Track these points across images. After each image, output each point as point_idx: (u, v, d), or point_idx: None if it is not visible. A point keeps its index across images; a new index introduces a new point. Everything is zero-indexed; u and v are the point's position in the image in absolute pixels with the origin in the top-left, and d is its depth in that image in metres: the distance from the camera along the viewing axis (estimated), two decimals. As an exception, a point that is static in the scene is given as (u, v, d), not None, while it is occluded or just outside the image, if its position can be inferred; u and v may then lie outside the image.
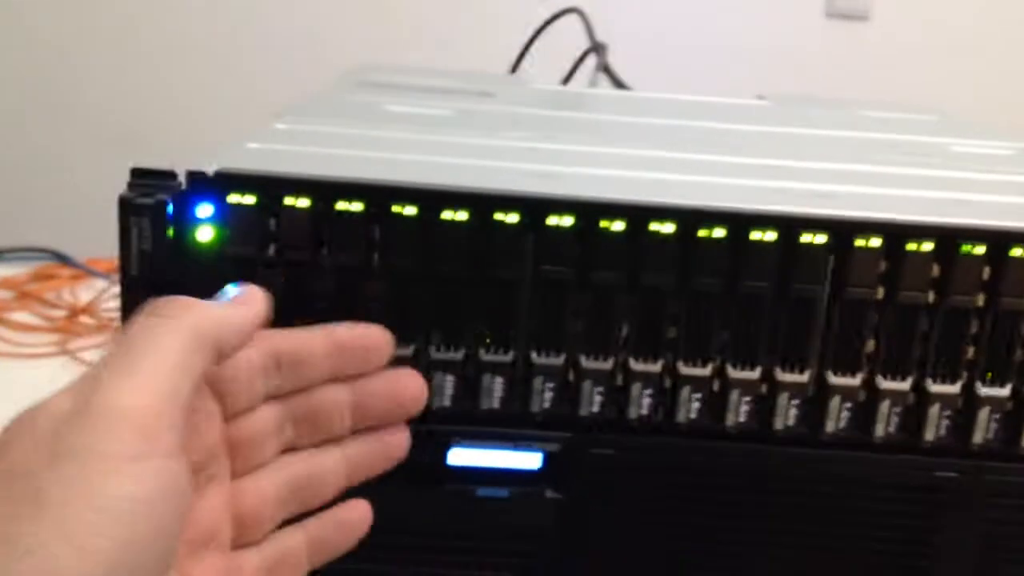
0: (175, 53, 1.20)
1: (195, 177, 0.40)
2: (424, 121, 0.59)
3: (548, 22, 1.08)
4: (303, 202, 0.40)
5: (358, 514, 0.36)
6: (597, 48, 1.05)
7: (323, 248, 0.41)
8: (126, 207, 0.39)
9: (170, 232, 0.39)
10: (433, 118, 0.60)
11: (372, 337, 0.35)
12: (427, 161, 0.46)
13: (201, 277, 0.41)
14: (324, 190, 0.40)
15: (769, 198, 0.44)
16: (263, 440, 0.34)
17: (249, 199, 0.40)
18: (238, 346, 0.32)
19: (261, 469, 0.34)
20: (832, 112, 0.80)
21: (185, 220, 0.40)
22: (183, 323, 0.30)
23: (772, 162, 0.53)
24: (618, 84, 1.05)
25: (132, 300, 0.41)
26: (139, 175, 0.40)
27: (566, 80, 1.05)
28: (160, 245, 0.39)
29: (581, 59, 1.06)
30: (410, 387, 0.35)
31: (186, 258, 0.40)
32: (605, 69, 1.06)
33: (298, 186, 0.40)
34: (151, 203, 0.39)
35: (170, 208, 0.39)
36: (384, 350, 0.35)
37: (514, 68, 1.07)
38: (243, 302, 0.33)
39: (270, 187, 0.40)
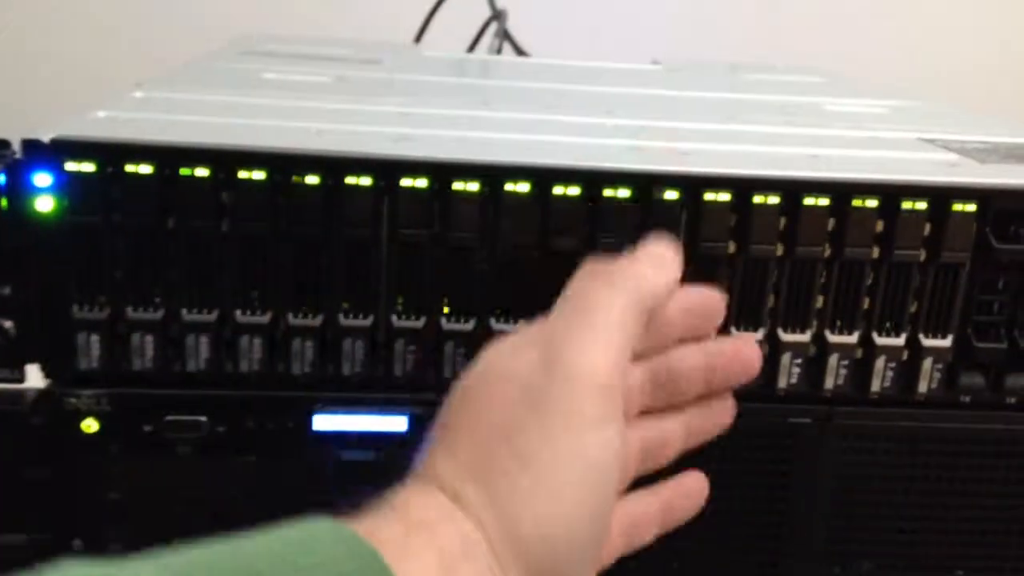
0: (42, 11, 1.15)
1: (30, 145, 0.39)
2: (297, 88, 0.58)
3: (450, -9, 1.07)
4: (145, 168, 0.39)
5: (699, 483, 0.36)
6: (498, 15, 1.04)
7: (169, 215, 0.40)
8: (-44, 178, 0.38)
9: (3, 203, 0.38)
10: (308, 84, 0.59)
11: (715, 298, 0.35)
12: (282, 126, 0.45)
13: (43, 247, 0.40)
14: (167, 156, 0.40)
15: (626, 157, 0.44)
16: (633, 400, 0.34)
17: (88, 166, 0.39)
18: (659, 309, 0.33)
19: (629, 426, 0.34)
20: (720, 76, 0.81)
21: (22, 190, 0.39)
22: (629, 287, 0.31)
23: (640, 123, 0.53)
24: (518, 51, 1.05)
25: (-30, 273, 0.40)
26: (-28, 144, 0.39)
27: (470, 49, 1.05)
28: (-5, 215, 0.38)
29: (484, 27, 1.06)
30: (751, 352, 0.35)
31: (26, 228, 0.39)
32: (505, 35, 1.06)
33: (139, 152, 0.39)
34: (-18, 172, 0.38)
35: (2, 178, 0.38)
36: (721, 313, 0.35)
37: (417, 38, 1.06)
38: (665, 265, 0.33)
39: (110, 153, 0.39)
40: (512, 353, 0.31)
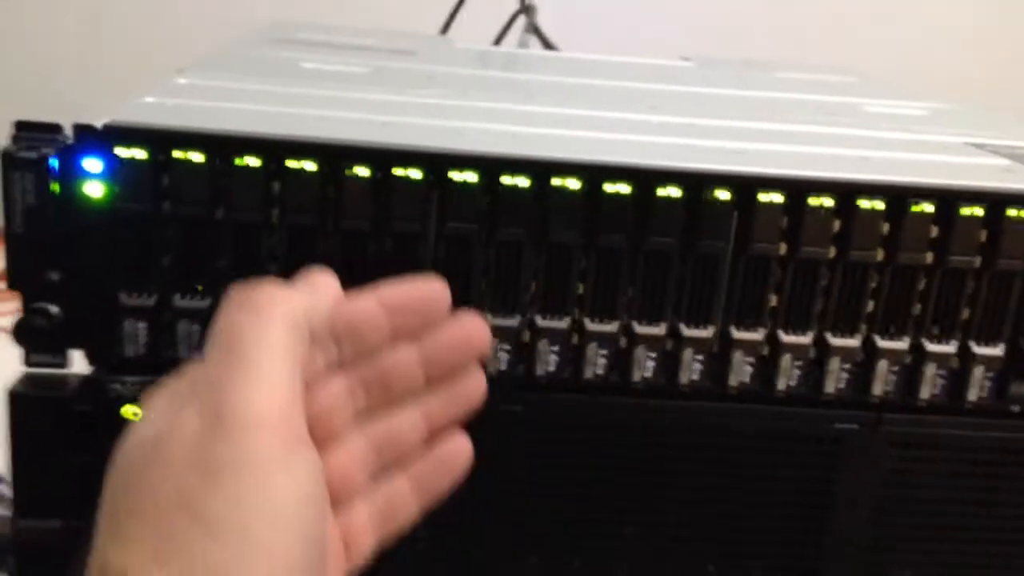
0: None
1: (82, 130, 0.39)
2: (337, 78, 0.57)
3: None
4: (197, 156, 0.39)
5: (458, 447, 0.34)
6: (526, 9, 1.04)
7: (219, 204, 0.40)
8: (8, 161, 0.37)
9: (55, 187, 0.38)
10: (347, 75, 0.59)
11: (425, 290, 0.33)
12: (331, 116, 0.45)
13: (91, 234, 0.40)
14: (219, 144, 0.39)
15: (676, 155, 0.44)
16: (335, 408, 0.32)
17: (139, 153, 0.39)
18: (322, 332, 0.31)
19: (341, 436, 0.32)
20: (752, 73, 0.80)
21: (72, 175, 0.39)
22: (278, 314, 0.29)
23: (685, 120, 0.53)
24: (547, 45, 1.05)
25: (18, 258, 0.39)
26: (23, 128, 0.39)
27: (497, 41, 1.04)
28: (45, 200, 0.38)
29: (511, 20, 1.05)
30: (475, 330, 0.33)
31: (75, 214, 0.39)
32: (534, 30, 1.06)
33: (191, 140, 0.39)
34: (34, 157, 0.37)
35: (55, 162, 0.38)
36: (442, 300, 0.33)
37: (444, 29, 1.06)
38: (320, 288, 0.32)
39: (161, 141, 0.39)
40: (169, 413, 0.28)
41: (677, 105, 0.60)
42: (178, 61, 0.55)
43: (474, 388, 0.34)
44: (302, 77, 0.57)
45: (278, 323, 0.29)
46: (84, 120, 0.39)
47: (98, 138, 0.39)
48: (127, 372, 0.42)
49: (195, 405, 0.28)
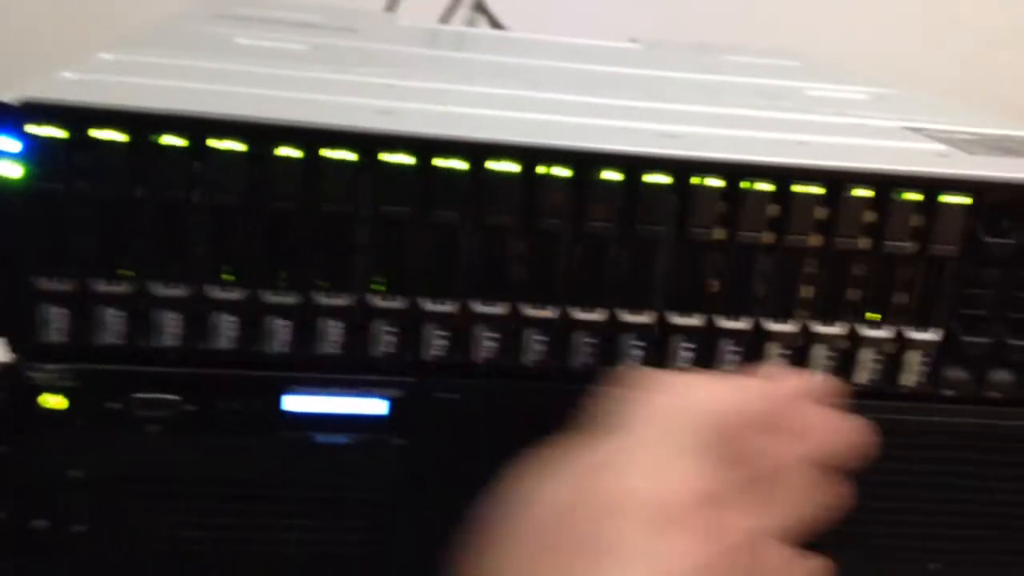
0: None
1: (-5, 107, 0.37)
2: (272, 55, 0.56)
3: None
4: (115, 135, 0.37)
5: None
6: (473, -14, 1.02)
7: (140, 184, 0.38)
8: (-86, 139, 0.36)
9: (-34, 167, 0.36)
10: (284, 52, 0.57)
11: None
12: (256, 94, 0.43)
13: (7, 214, 0.38)
14: (141, 122, 0.38)
15: (614, 137, 0.43)
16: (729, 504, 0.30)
17: (57, 131, 0.37)
18: (736, 432, 0.30)
19: None
20: (698, 56, 0.80)
21: (-15, 154, 0.37)
22: (688, 404, 0.29)
23: (625, 103, 0.52)
24: (494, 24, 1.03)
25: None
26: (-68, 104, 0.37)
27: (443, 20, 1.03)
28: (-44, 180, 0.36)
29: (458, -2, 1.04)
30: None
31: (-11, 195, 0.37)
32: (480, 8, 1.04)
33: (110, 117, 0.37)
34: (-57, 135, 0.36)
35: (-35, 140, 0.36)
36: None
37: (389, 6, 1.04)
38: (744, 387, 0.31)
39: (79, 118, 0.37)
40: (536, 492, 0.29)
41: (618, 88, 0.59)
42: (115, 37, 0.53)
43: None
44: (236, 54, 0.55)
45: (683, 414, 0.29)
46: (-2, 96, 0.37)
47: (12, 115, 0.37)
48: (48, 359, 0.40)
49: (564, 479, 0.28)
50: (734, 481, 0.30)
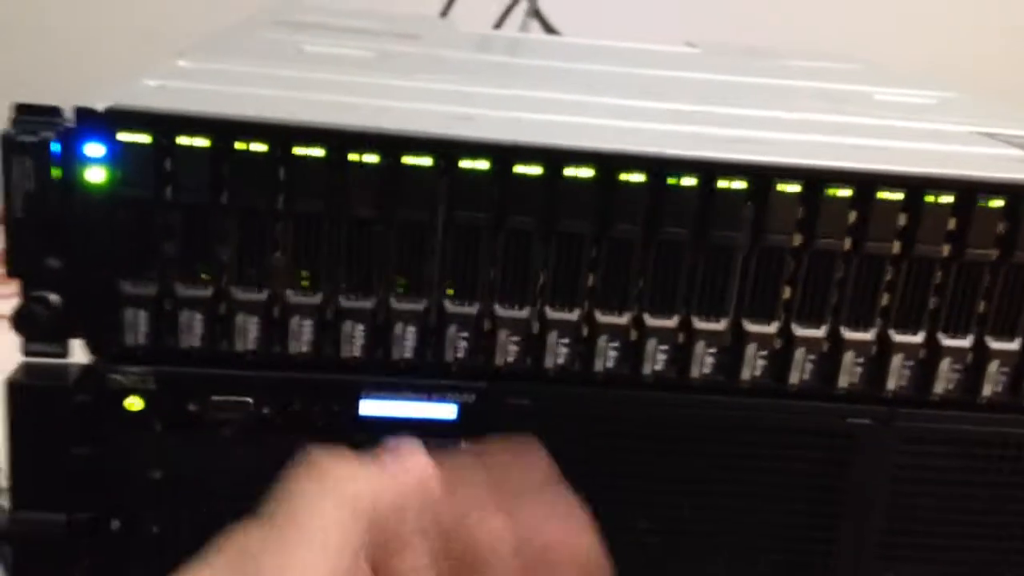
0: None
1: (84, 114, 0.37)
2: (341, 62, 0.56)
3: (478, -35, 1.05)
4: (200, 141, 0.38)
5: None
6: (528, -8, 1.03)
7: (224, 190, 0.39)
8: (8, 145, 0.36)
9: (57, 172, 0.37)
10: (351, 59, 0.58)
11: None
12: (337, 101, 0.44)
13: (93, 219, 0.39)
14: (223, 129, 0.38)
15: (689, 143, 0.43)
16: None
17: (142, 138, 0.38)
18: (397, 523, 0.29)
19: None
20: (758, 61, 0.79)
21: (74, 159, 0.38)
22: (341, 494, 0.28)
23: (693, 108, 0.52)
24: (548, 29, 1.04)
25: (18, 243, 0.38)
26: (23, 111, 0.37)
27: (497, 25, 1.03)
28: (46, 185, 0.37)
29: (513, 4, 1.04)
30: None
31: (77, 199, 0.38)
32: (536, 14, 1.04)
33: (195, 124, 0.38)
34: (35, 141, 0.36)
35: (56, 146, 0.37)
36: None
37: (444, 12, 1.05)
38: (403, 470, 0.30)
39: (165, 125, 0.38)
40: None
41: (684, 92, 0.59)
42: (179, 43, 0.54)
43: None
44: (306, 61, 0.55)
45: (337, 506, 0.27)
46: (85, 103, 0.38)
47: (100, 122, 0.38)
48: (128, 362, 0.41)
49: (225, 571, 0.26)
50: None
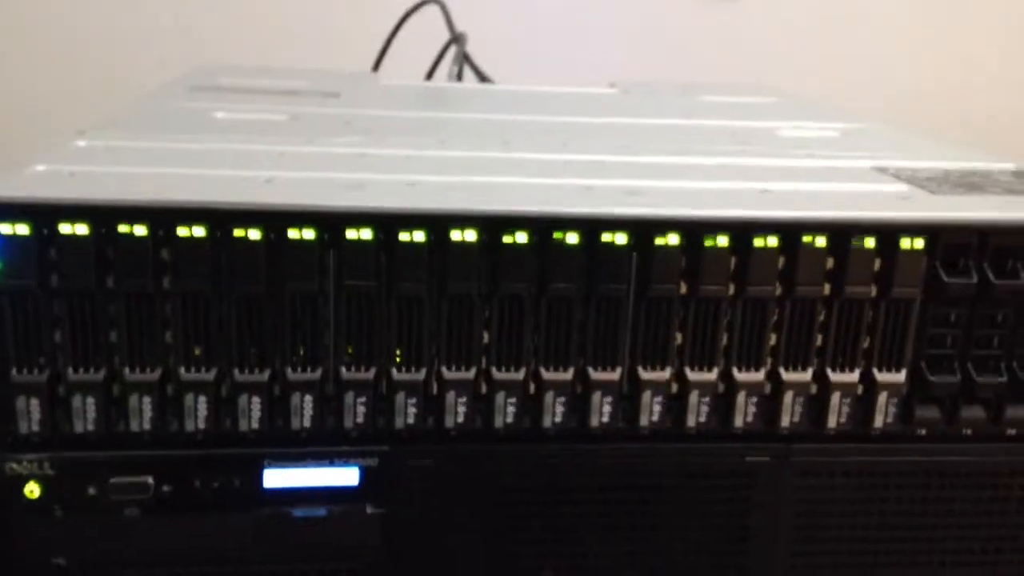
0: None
1: (-37, 207, 0.38)
2: (249, 128, 0.57)
3: (407, 15, 1.06)
4: (82, 228, 0.38)
5: None
6: (457, 39, 1.04)
7: (109, 274, 0.39)
8: None
9: (-64, 268, 0.37)
10: (261, 124, 0.59)
11: None
12: (224, 176, 0.44)
13: (-21, 312, 0.39)
14: (104, 214, 0.39)
15: (576, 198, 0.44)
16: None
17: (22, 228, 0.38)
18: None
19: None
20: (675, 99, 0.81)
21: (-45, 254, 0.38)
22: None
23: (592, 157, 0.53)
24: (479, 75, 1.05)
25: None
26: (-99, 208, 0.38)
27: (429, 74, 1.04)
28: (-73, 282, 0.37)
29: (443, 51, 1.05)
30: None
31: (-39, 293, 0.38)
32: (465, 59, 1.06)
33: (74, 211, 0.38)
34: (-90, 239, 0.37)
35: (-67, 243, 0.37)
36: None
37: (376, 65, 1.06)
38: None
39: (44, 214, 0.38)
40: None
41: (590, 139, 0.60)
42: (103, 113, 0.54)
43: None
44: (212, 130, 0.56)
45: None
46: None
47: (-22, 214, 0.38)
48: (24, 449, 0.41)
49: None
50: None
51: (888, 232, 0.42)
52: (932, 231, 0.42)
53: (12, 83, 1.16)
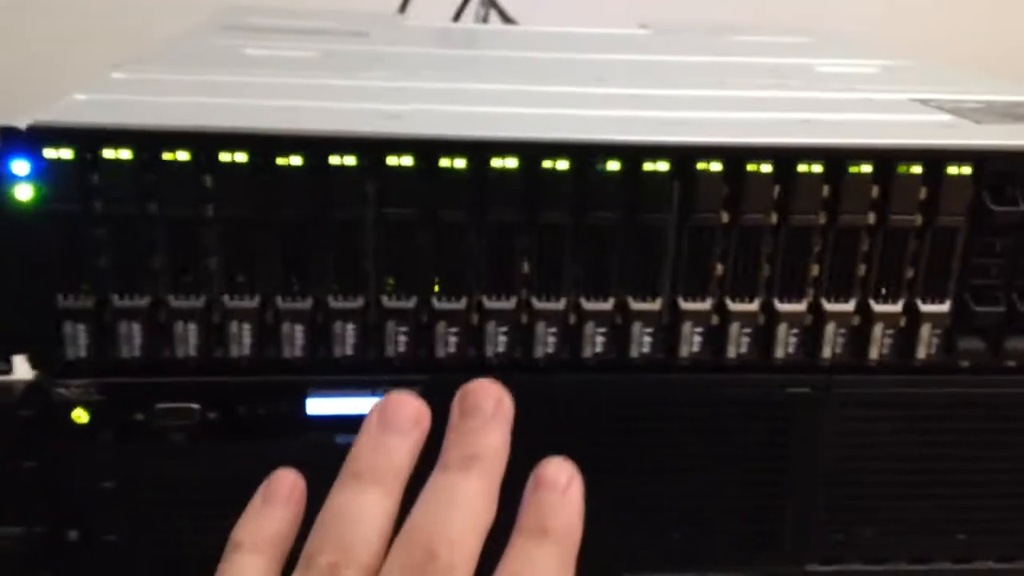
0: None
1: (7, 132, 0.38)
2: (282, 64, 0.57)
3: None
4: (124, 153, 0.38)
5: None
6: (483, -19, 1.03)
7: (152, 200, 0.39)
8: (-69, 167, 0.37)
9: (-18, 192, 0.38)
10: (293, 60, 0.58)
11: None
12: (264, 105, 0.44)
13: (24, 237, 0.39)
14: (147, 140, 0.39)
15: (615, 127, 0.43)
16: None
17: (66, 153, 0.38)
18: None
19: None
20: (708, 39, 0.79)
21: (1, 178, 0.38)
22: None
23: (630, 91, 0.52)
24: (505, 18, 1.04)
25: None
26: (-52, 134, 0.38)
27: (456, 17, 1.03)
28: (-27, 206, 0.37)
29: (469, -5, 1.04)
30: None
31: (5, 217, 0.39)
32: (491, 3, 1.05)
33: (117, 137, 0.38)
34: (-41, 163, 0.37)
35: (-20, 167, 0.37)
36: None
37: (402, 8, 1.05)
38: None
39: (88, 139, 0.38)
40: None
41: (625, 76, 0.59)
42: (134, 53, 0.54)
43: None
44: (245, 65, 0.56)
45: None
46: (11, 122, 0.38)
47: (24, 139, 0.38)
48: (71, 376, 0.41)
49: None
50: None
51: (934, 159, 0.42)
52: (978, 158, 0.42)
53: (43, 25, 1.16)
